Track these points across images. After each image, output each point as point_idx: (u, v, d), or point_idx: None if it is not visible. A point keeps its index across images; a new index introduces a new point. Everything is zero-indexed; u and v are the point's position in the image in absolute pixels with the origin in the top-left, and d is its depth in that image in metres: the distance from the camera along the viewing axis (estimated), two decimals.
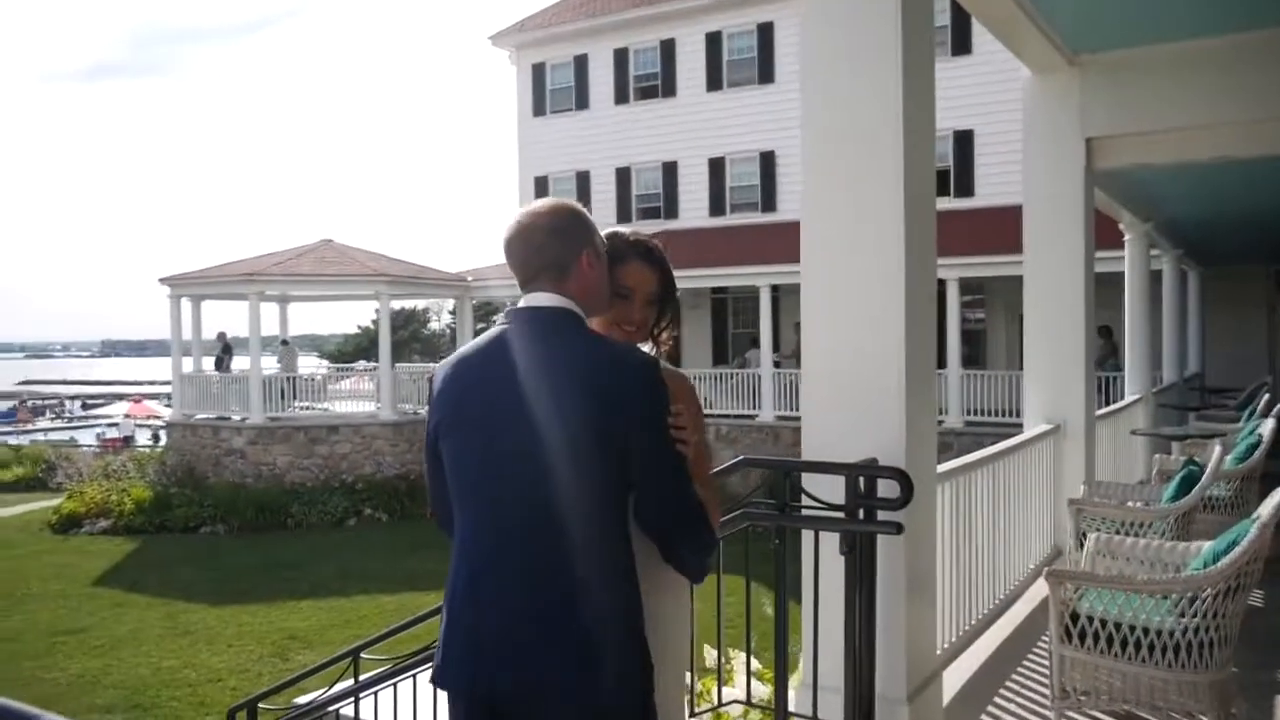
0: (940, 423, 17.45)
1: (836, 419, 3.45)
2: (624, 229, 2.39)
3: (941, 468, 4.12)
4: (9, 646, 10.72)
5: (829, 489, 3.13)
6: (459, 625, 1.97)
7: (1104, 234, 7.06)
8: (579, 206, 2.16)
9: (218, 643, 10.74)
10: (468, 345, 2.11)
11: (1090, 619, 3.50)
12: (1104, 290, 6.99)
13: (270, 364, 21.75)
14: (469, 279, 22.06)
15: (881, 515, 3.10)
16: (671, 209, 23.06)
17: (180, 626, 11.42)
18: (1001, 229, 13.10)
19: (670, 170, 22.98)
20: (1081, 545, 4.73)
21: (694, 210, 22.79)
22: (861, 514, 3.12)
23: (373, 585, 13.08)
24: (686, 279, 20.14)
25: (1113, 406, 8.69)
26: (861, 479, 3.12)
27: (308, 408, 20.77)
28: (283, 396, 20.00)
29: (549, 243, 2.08)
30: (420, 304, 44.85)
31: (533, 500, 1.94)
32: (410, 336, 48.50)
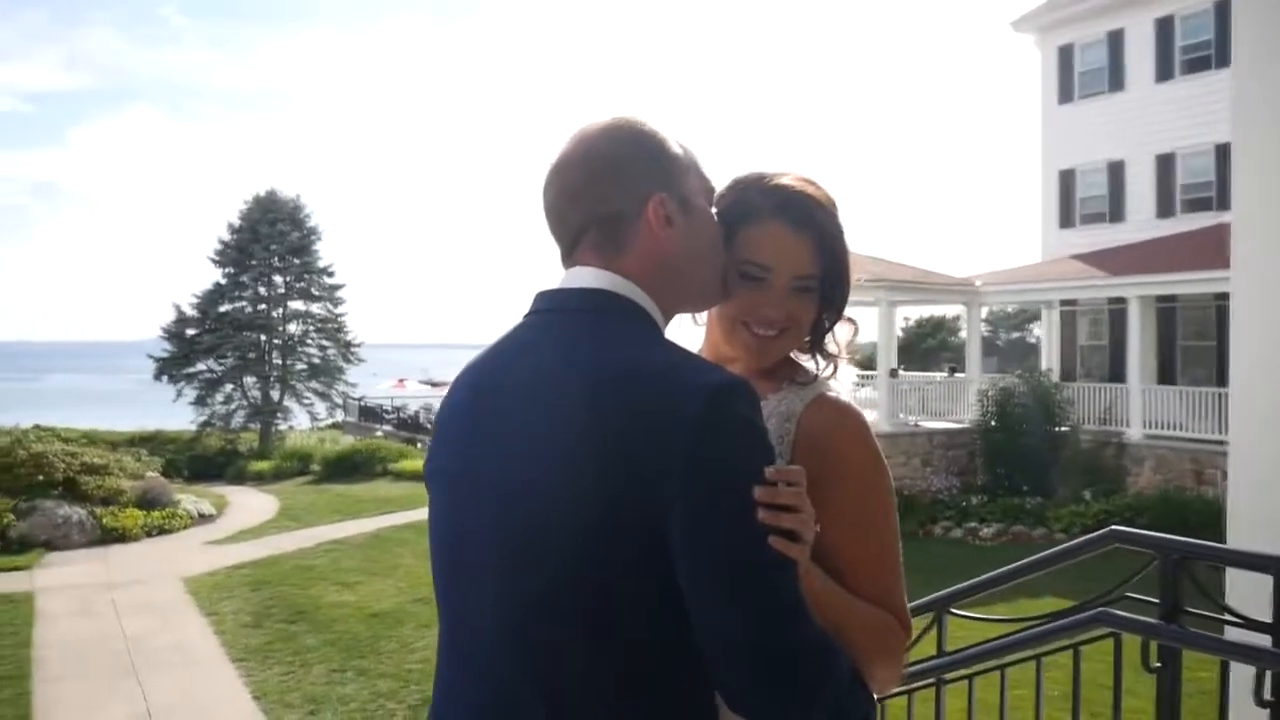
0: None
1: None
2: (764, 170, 1.49)
3: None
4: None
5: (1256, 593, 2.01)
6: None
7: None
8: (652, 125, 1.33)
9: None
10: (493, 342, 1.38)
11: None
12: None
13: None
14: (977, 284, 20.57)
15: None
16: (1225, 199, 19.58)
17: None
18: None
19: (1224, 154, 19.51)
20: None
21: None
22: None
23: None
24: None
25: None
26: None
27: None
28: None
29: (591, 184, 1.30)
30: (951, 312, 43.36)
31: (505, 616, 1.21)
32: (939, 345, 47.19)
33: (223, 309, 31.37)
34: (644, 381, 1.18)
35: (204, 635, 9.34)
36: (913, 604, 2.74)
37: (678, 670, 1.17)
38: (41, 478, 14.20)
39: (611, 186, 1.30)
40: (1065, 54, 22.09)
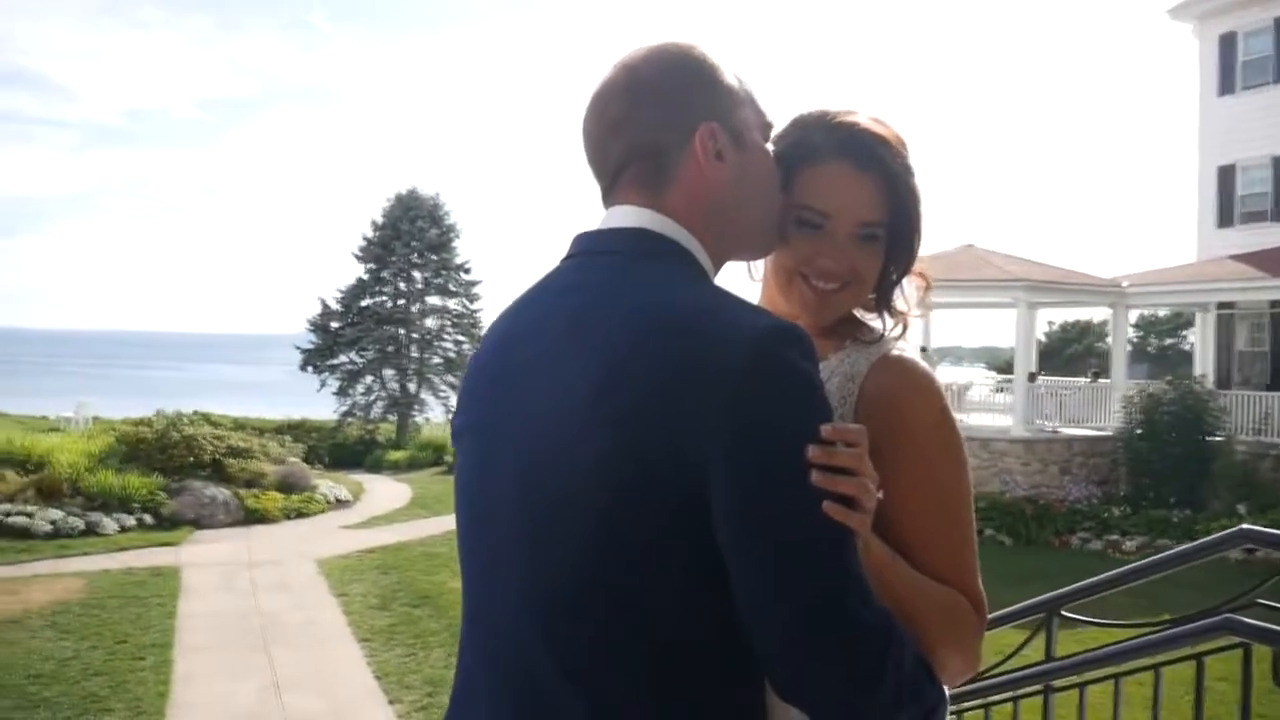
0: None
1: None
2: (829, 108, 1.36)
3: None
4: None
5: None
6: None
7: None
8: (703, 50, 1.21)
9: None
10: (528, 288, 1.26)
11: None
12: None
13: None
14: (1124, 285, 19.60)
15: None
16: None
17: None
18: None
19: None
20: None
21: None
22: None
23: None
24: None
25: None
26: None
27: None
28: None
29: (634, 113, 1.18)
30: (1098, 316, 41.54)
31: (530, 601, 1.10)
32: (1085, 350, 45.41)
33: (364, 303, 32.54)
34: (683, 326, 1.06)
35: (333, 615, 9.65)
36: (1020, 605, 2.59)
37: (725, 656, 1.07)
38: (191, 459, 14.94)
39: (656, 115, 1.18)
40: (1226, 43, 20.85)
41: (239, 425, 22.97)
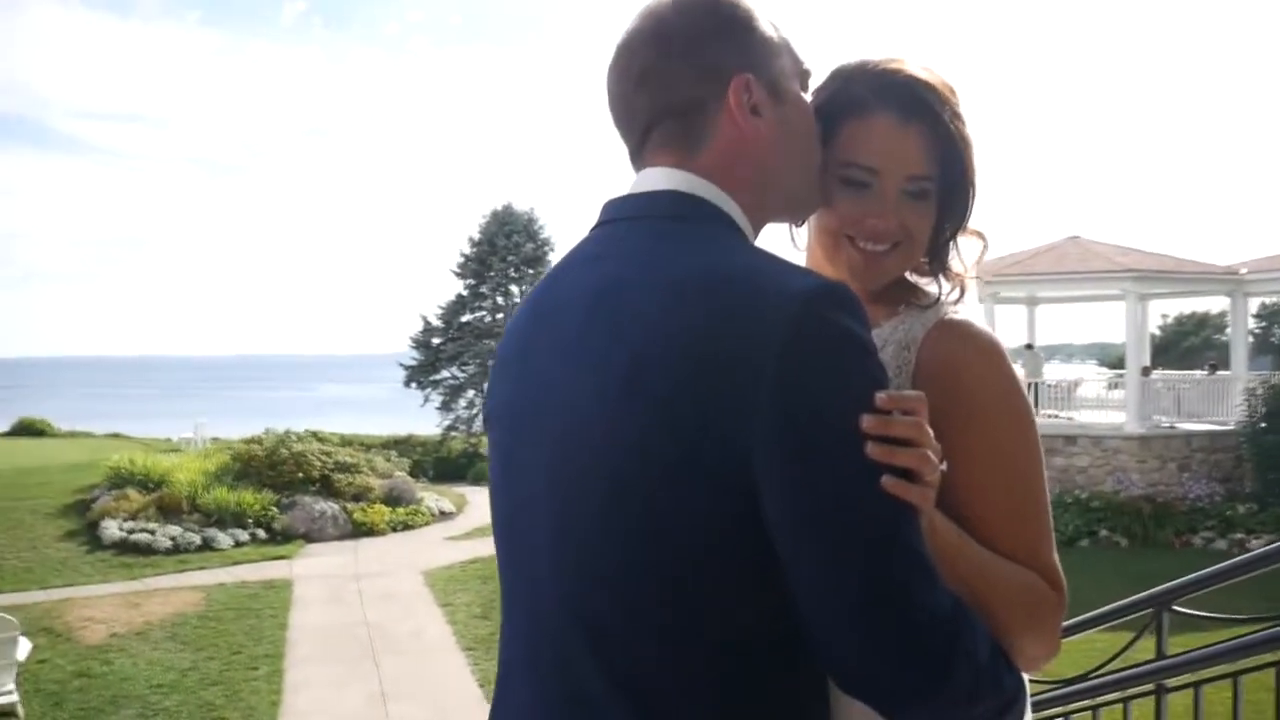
0: None
1: None
2: (870, 58, 1.26)
3: None
4: None
5: None
6: None
7: None
8: None
9: None
10: (560, 260, 1.19)
11: None
12: None
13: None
14: (1242, 272, 18.69)
15: None
16: None
17: None
18: None
19: None
20: None
21: None
22: None
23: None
24: None
25: None
26: None
27: (1052, 416, 19.56)
28: None
29: (662, 65, 1.09)
30: (1216, 307, 39.82)
31: (569, 597, 1.03)
32: (1202, 344, 43.69)
33: (464, 319, 33.09)
34: (722, 291, 0.97)
35: (438, 624, 9.80)
36: (1128, 600, 2.45)
37: (782, 653, 0.99)
38: (301, 475, 15.40)
39: (686, 67, 1.08)
40: None
41: (346, 442, 23.57)
